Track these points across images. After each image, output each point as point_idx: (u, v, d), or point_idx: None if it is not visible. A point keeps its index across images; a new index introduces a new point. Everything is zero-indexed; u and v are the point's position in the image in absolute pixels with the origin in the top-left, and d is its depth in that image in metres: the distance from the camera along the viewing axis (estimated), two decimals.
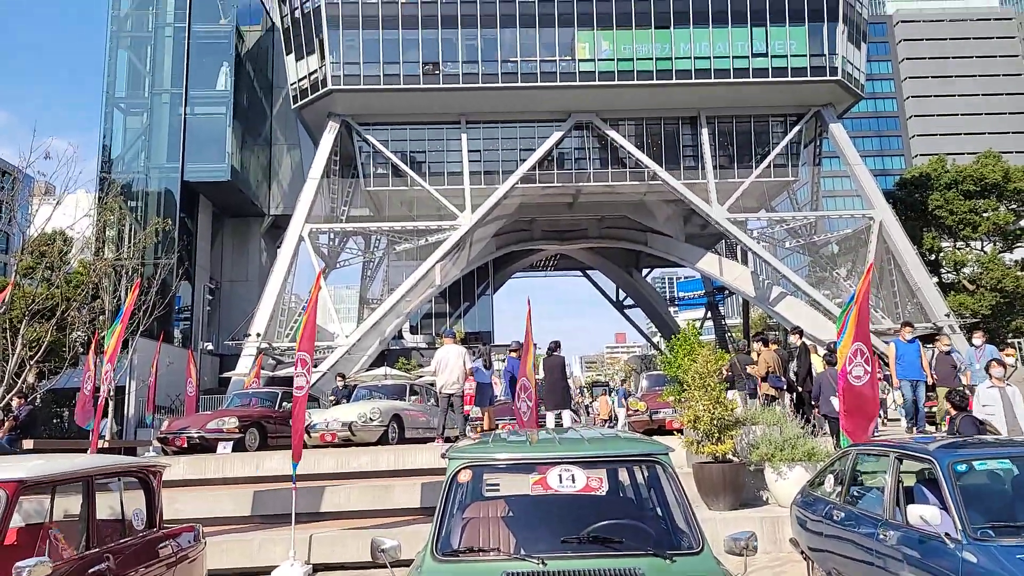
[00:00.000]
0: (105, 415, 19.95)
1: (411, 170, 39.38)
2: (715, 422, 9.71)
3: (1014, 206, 45.18)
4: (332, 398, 18.51)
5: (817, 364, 13.72)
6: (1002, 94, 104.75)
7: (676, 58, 38.10)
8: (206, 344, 39.48)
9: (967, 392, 9.44)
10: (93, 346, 15.99)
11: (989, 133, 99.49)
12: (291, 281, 38.73)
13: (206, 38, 41.95)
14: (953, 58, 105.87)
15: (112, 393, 21.09)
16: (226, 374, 36.22)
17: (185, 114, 41.16)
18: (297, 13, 38.77)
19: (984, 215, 44.35)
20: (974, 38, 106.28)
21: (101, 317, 25.23)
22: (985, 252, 45.29)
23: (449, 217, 39.24)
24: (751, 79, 38.29)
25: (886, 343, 19.62)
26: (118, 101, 41.93)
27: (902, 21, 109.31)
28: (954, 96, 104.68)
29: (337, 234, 41.91)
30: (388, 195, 41.08)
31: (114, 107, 41.87)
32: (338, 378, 20.61)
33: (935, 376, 13.46)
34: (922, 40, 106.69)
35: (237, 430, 14.21)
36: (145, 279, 26.92)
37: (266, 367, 32.79)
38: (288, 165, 48.69)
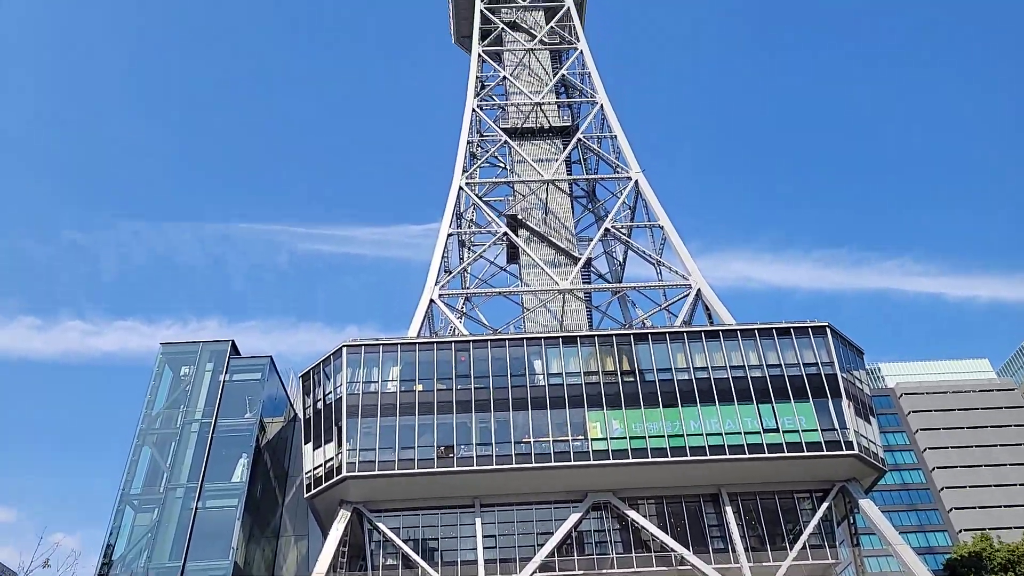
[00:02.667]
0: None
1: (422, 559, 37.05)
2: None
3: None
4: None
5: None
6: None
7: (688, 435, 38.36)
8: None
9: None
10: None
11: None
12: None
13: (229, 431, 43.25)
14: (967, 428, 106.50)
15: None
16: None
17: (196, 508, 40.38)
18: (320, 404, 40.58)
19: None
20: (982, 408, 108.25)
21: None
22: None
23: None
24: (767, 455, 37.92)
25: None
26: (132, 498, 41.51)
27: (905, 393, 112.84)
28: (980, 467, 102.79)
29: None
30: None
31: (127, 504, 41.33)
32: None
33: None
34: (931, 411, 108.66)
35: None
36: None
37: None
38: (294, 558, 46.16)
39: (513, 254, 57.06)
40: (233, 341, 45.93)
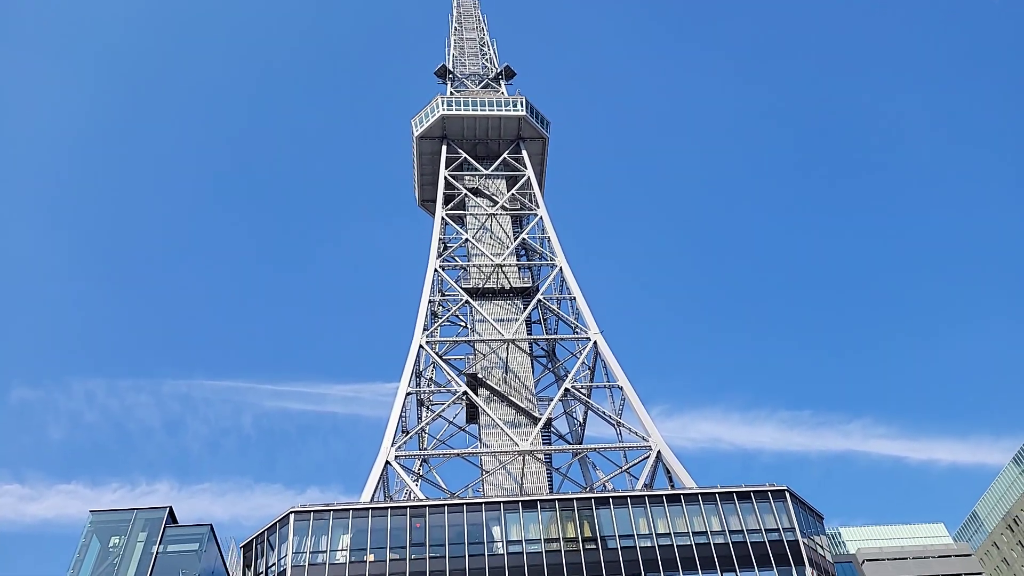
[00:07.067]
0: None
1: None
2: None
3: None
4: None
5: None
6: None
7: None
8: None
9: None
10: None
11: None
12: None
13: None
14: None
15: None
16: None
17: None
18: None
19: None
20: (942, 575, 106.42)
21: None
22: None
23: None
24: None
25: None
26: None
27: (867, 560, 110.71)
28: None
29: None
30: None
31: None
32: None
33: None
34: None
35: None
36: None
37: None
38: None
39: (473, 414, 56.43)
40: (170, 508, 43.10)
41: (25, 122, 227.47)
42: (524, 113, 72.67)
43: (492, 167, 72.24)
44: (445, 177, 70.18)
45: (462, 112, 72.36)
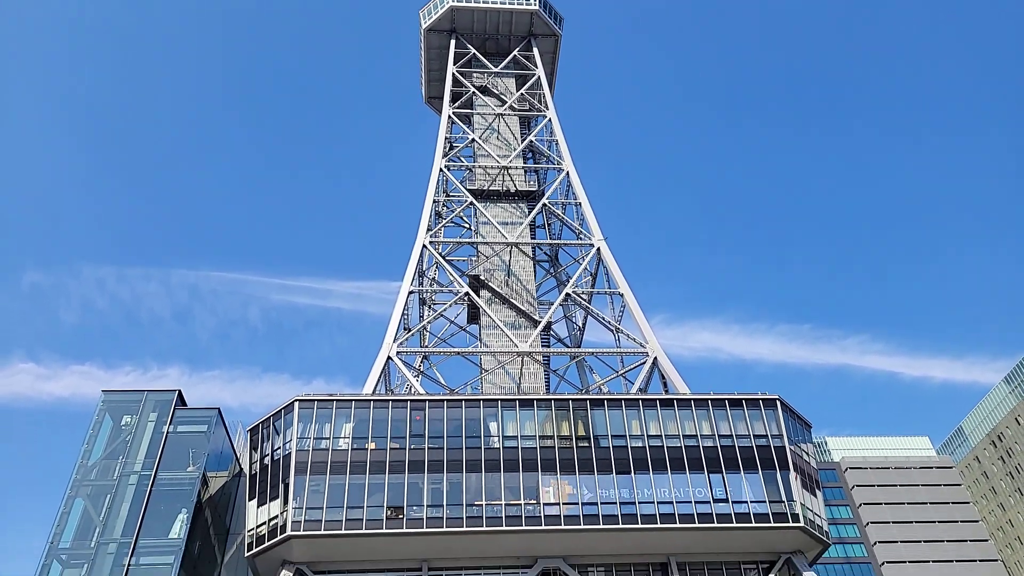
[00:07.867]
0: None
1: None
2: None
3: None
4: None
5: None
6: (966, 540, 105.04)
7: (640, 503, 38.40)
8: None
9: None
10: None
11: None
12: None
13: (170, 484, 41.65)
14: (908, 504, 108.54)
15: None
16: None
17: (129, 565, 38.46)
18: (267, 460, 39.54)
19: None
20: (922, 484, 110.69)
21: None
22: None
23: None
24: (716, 524, 38.14)
25: None
26: (60, 553, 39.34)
27: (850, 468, 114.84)
28: (920, 542, 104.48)
29: None
30: None
31: (54, 559, 39.14)
32: None
33: None
34: (874, 486, 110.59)
35: None
36: None
37: None
38: None
39: (474, 315, 57.26)
40: (180, 391, 44.68)
41: (39, 11, 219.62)
42: (536, 7, 69.96)
43: (501, 64, 70.22)
44: (453, 73, 68.35)
45: (472, 4, 69.66)
